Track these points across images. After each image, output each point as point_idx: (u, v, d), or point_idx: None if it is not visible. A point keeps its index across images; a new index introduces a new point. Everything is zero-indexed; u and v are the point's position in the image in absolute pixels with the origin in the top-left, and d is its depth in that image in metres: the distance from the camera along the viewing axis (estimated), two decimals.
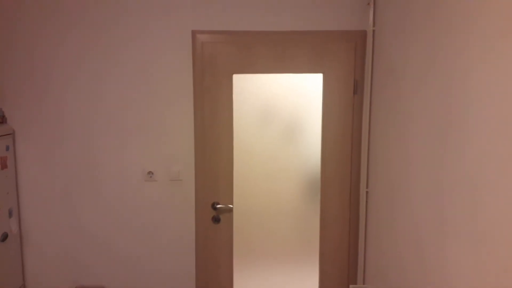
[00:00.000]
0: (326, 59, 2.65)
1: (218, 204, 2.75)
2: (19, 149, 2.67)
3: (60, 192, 2.72)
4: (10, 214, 2.61)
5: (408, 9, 2.08)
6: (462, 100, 1.55)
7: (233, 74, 2.64)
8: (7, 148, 2.58)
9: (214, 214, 2.76)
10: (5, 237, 2.53)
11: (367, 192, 2.66)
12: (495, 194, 1.32)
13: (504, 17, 1.27)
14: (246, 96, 2.68)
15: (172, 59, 2.62)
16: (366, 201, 2.67)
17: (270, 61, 2.63)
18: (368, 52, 2.60)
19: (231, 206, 2.75)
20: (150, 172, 2.71)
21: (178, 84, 2.64)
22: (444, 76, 1.69)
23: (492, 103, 1.34)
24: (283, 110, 2.70)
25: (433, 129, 1.78)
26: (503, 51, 1.30)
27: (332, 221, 2.78)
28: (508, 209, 1.26)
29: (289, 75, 2.67)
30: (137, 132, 2.68)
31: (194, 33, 2.60)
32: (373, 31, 2.54)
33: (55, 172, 2.69)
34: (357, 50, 2.64)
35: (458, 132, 1.57)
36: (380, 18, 2.46)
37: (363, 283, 2.75)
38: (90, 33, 2.59)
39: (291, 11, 2.60)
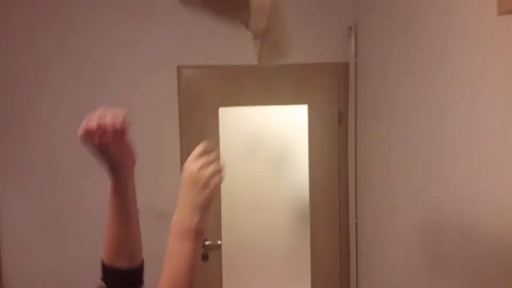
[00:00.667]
0: (310, 91, 2.68)
1: (206, 240, 2.68)
2: (2, 189, 2.58)
3: (43, 235, 2.62)
4: None
5: (387, 41, 2.13)
6: (442, 131, 1.57)
7: (219, 107, 2.64)
8: None
9: (202, 252, 2.68)
10: None
11: (356, 223, 2.65)
12: (480, 222, 1.32)
13: (478, 53, 1.31)
14: (232, 128, 2.67)
15: (157, 94, 2.61)
16: (356, 232, 2.65)
17: (256, 93, 2.65)
18: (351, 83, 2.64)
19: (220, 242, 2.68)
20: None
21: (163, 119, 2.62)
22: (424, 110, 1.72)
23: (471, 139, 1.36)
24: (270, 141, 2.70)
25: (417, 161, 1.81)
26: (479, 87, 1.33)
27: (322, 252, 2.74)
28: (495, 240, 1.26)
29: (275, 107, 2.68)
30: None
31: (179, 68, 2.61)
32: (355, 62, 2.59)
33: (40, 212, 2.60)
34: (340, 81, 2.69)
35: (440, 163, 1.59)
36: (361, 50, 2.52)
37: None
38: (73, 68, 2.57)
39: None
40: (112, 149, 0.95)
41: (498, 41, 1.24)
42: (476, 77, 1.36)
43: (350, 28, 2.61)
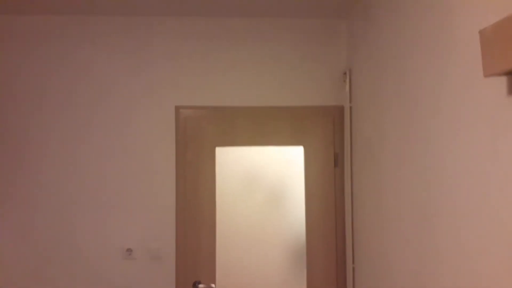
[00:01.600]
0: (306, 133, 2.71)
1: (200, 283, 2.61)
2: None
3: (33, 270, 2.54)
4: None
5: (380, 87, 2.20)
6: (434, 179, 1.60)
7: (216, 147, 2.66)
8: None
9: None
10: None
11: (353, 268, 2.59)
12: (473, 276, 1.30)
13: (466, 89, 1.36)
14: (229, 168, 2.68)
15: (155, 133, 2.64)
16: (353, 277, 2.59)
17: (252, 134, 2.68)
18: (346, 126, 2.69)
19: (214, 286, 2.61)
20: (129, 250, 2.59)
21: (160, 158, 2.63)
22: (416, 157, 1.75)
23: (468, 186, 1.38)
24: (266, 181, 2.70)
25: (409, 206, 1.81)
26: (469, 140, 1.37)
27: None
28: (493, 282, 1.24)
29: (271, 147, 2.71)
30: (117, 207, 2.60)
31: (177, 108, 2.65)
32: (350, 106, 2.64)
33: (30, 248, 2.54)
34: (336, 124, 2.73)
35: (433, 210, 1.60)
36: (356, 94, 2.58)
37: None
38: (69, 104, 2.61)
39: (272, 87, 2.71)
40: None
41: (485, 99, 1.30)
42: (465, 130, 1.40)
43: (345, 73, 2.69)
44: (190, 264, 2.61)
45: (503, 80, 1.24)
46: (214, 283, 2.62)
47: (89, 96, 2.62)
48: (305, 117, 2.72)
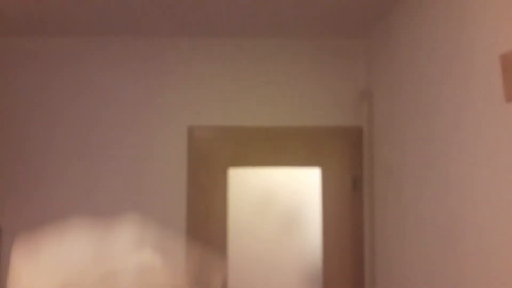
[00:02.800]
0: (322, 154, 2.63)
1: None
2: (6, 247, 2.54)
3: None
4: None
5: (399, 109, 2.13)
6: (459, 206, 1.53)
7: (229, 167, 2.61)
8: None
9: None
10: None
11: None
12: None
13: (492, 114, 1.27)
14: (242, 189, 2.62)
15: (167, 154, 2.61)
16: None
17: (267, 155, 2.62)
18: (365, 148, 2.59)
19: None
20: None
21: (172, 179, 2.60)
22: (441, 182, 1.68)
23: (491, 212, 1.32)
24: (281, 203, 2.63)
25: (433, 235, 1.73)
26: (491, 166, 1.31)
27: None
28: None
29: (286, 169, 2.63)
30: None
31: (190, 128, 2.62)
32: (369, 127, 2.55)
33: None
34: (354, 146, 2.64)
35: (458, 239, 1.54)
36: (375, 115, 2.50)
37: None
38: (83, 127, 2.61)
39: (288, 107, 2.65)
40: None
41: (507, 125, 1.23)
42: (488, 156, 1.35)
43: (363, 93, 2.60)
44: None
45: None
46: None
47: (101, 116, 2.62)
48: (322, 137, 2.64)
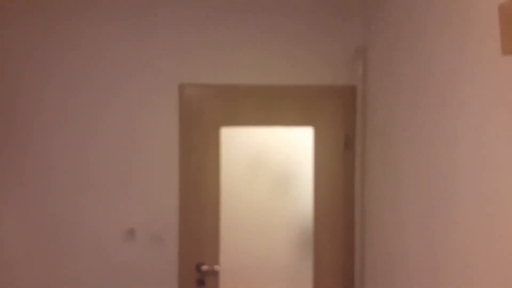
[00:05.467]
0: (316, 113, 2.61)
1: (203, 265, 2.58)
2: None
3: (37, 250, 2.55)
4: None
5: (395, 67, 2.09)
6: (452, 162, 1.53)
7: (221, 127, 2.59)
8: None
9: (199, 277, 2.58)
10: None
11: (362, 254, 2.52)
12: (487, 260, 1.22)
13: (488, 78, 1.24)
14: (235, 149, 2.61)
15: (158, 112, 2.58)
16: (362, 262, 2.52)
17: (259, 114, 2.59)
18: (359, 107, 2.57)
19: (218, 267, 2.58)
20: (131, 230, 2.57)
21: (163, 137, 2.58)
22: (434, 139, 1.68)
23: (484, 170, 1.32)
24: (274, 163, 2.63)
25: (426, 191, 1.75)
26: (486, 121, 1.29)
27: (325, 280, 2.62)
28: (500, 274, 1.15)
29: (279, 128, 2.62)
30: (120, 188, 2.57)
31: (181, 86, 2.57)
32: (363, 86, 2.52)
33: (33, 228, 2.54)
34: (347, 105, 2.61)
35: (451, 195, 1.54)
36: (370, 73, 2.46)
37: None
38: (73, 84, 2.55)
39: (281, 64, 2.60)
40: None
41: (503, 79, 1.21)
42: (483, 111, 1.33)
43: (358, 50, 2.55)
44: (193, 246, 2.58)
45: None
46: (218, 265, 2.59)
47: (90, 74, 2.56)
48: (315, 96, 2.61)
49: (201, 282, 2.58)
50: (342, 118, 2.62)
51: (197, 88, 2.59)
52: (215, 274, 2.58)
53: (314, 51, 2.60)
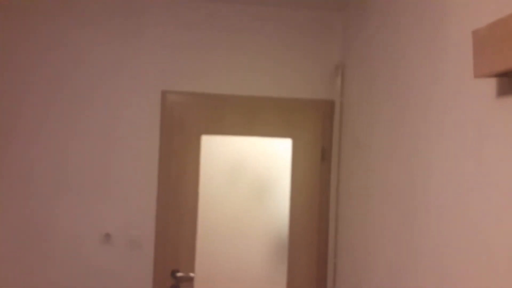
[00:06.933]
0: (295, 125, 2.68)
1: (178, 272, 2.58)
2: None
3: (12, 252, 2.49)
4: None
5: (372, 84, 2.17)
6: (422, 178, 1.59)
7: (202, 134, 2.62)
8: None
9: (174, 283, 2.58)
10: None
11: (335, 263, 2.58)
12: (457, 269, 1.28)
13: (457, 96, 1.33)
14: (214, 157, 2.64)
15: (139, 117, 2.59)
16: (334, 272, 2.58)
17: (240, 123, 2.64)
18: (336, 121, 2.65)
19: (193, 274, 2.59)
20: (107, 235, 2.55)
21: (144, 143, 2.58)
22: (406, 155, 1.73)
23: (456, 188, 1.37)
24: (252, 172, 2.67)
25: (395, 205, 1.80)
26: (457, 140, 1.36)
27: (300, 285, 2.66)
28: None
29: (259, 138, 2.67)
30: (97, 192, 2.55)
31: (164, 93, 2.60)
32: (341, 101, 2.61)
33: (8, 230, 2.49)
34: (326, 118, 2.69)
35: (419, 211, 1.59)
36: (348, 89, 2.55)
37: None
38: (54, 86, 2.54)
39: (262, 77, 2.66)
40: None
41: (474, 100, 1.28)
42: (456, 129, 1.39)
43: (337, 67, 2.65)
44: (169, 252, 2.58)
45: (492, 82, 1.21)
46: (193, 272, 2.60)
47: (72, 76, 2.55)
48: (295, 109, 2.68)
49: None
50: (320, 131, 2.69)
51: (180, 95, 2.62)
52: (190, 280, 2.59)
53: (295, 66, 2.68)
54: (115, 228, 2.56)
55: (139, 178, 2.58)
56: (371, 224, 2.06)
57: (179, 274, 2.58)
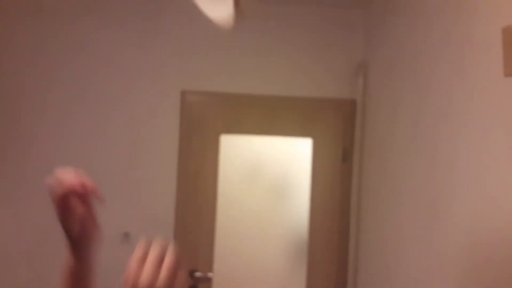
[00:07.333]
0: (315, 125, 2.63)
1: (197, 271, 2.57)
2: None
3: (29, 250, 2.54)
4: None
5: (395, 83, 2.11)
6: (450, 180, 1.54)
7: (221, 134, 2.60)
8: None
9: (192, 283, 2.57)
10: None
11: (356, 265, 2.52)
12: (488, 273, 1.23)
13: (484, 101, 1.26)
14: (233, 156, 2.62)
15: (159, 117, 2.59)
16: (355, 276, 2.52)
17: (259, 123, 2.61)
18: (358, 121, 2.59)
19: (211, 274, 2.57)
20: (126, 234, 2.56)
21: (163, 142, 2.58)
22: (433, 156, 1.68)
23: (481, 187, 1.32)
24: (271, 172, 2.64)
25: (423, 208, 1.75)
26: (485, 141, 1.30)
27: None
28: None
29: (278, 138, 2.63)
30: (116, 191, 2.56)
31: (183, 93, 2.59)
32: (363, 100, 2.55)
33: (27, 228, 2.53)
34: (347, 118, 2.64)
35: (448, 211, 1.53)
36: (370, 88, 2.48)
37: None
38: (76, 88, 2.56)
39: (283, 76, 2.62)
40: (76, 213, 0.85)
41: (504, 100, 1.23)
42: (482, 130, 1.34)
43: (360, 65, 2.58)
44: (188, 252, 2.57)
45: None
46: (211, 272, 2.58)
47: (93, 78, 2.57)
48: (315, 108, 2.64)
49: None
50: (341, 130, 2.64)
51: (199, 95, 2.61)
52: (208, 281, 2.58)
53: (316, 64, 2.63)
54: (134, 227, 2.57)
55: (158, 177, 2.58)
56: (394, 225, 2.01)
57: (198, 274, 2.57)
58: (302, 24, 2.63)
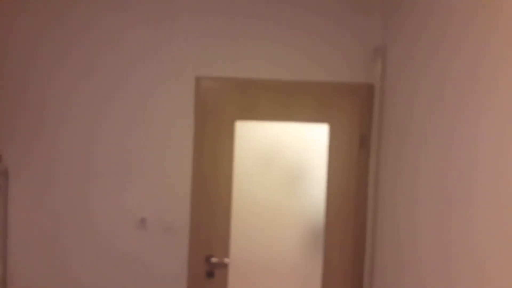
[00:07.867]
0: (332, 110, 2.59)
1: (213, 257, 2.59)
2: (12, 189, 2.59)
3: (49, 236, 2.60)
4: None
5: (414, 66, 2.04)
6: (472, 164, 1.48)
7: (236, 120, 2.58)
8: None
9: (208, 269, 2.59)
10: None
11: (372, 253, 2.50)
12: (505, 262, 1.19)
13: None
14: (249, 143, 2.60)
15: (174, 103, 2.58)
16: (372, 262, 2.50)
17: (274, 109, 2.58)
18: (376, 106, 2.54)
19: (227, 259, 2.58)
20: (142, 219, 2.59)
21: (178, 129, 2.58)
22: (454, 141, 1.62)
23: (502, 173, 1.26)
24: (287, 158, 2.61)
25: (443, 193, 1.70)
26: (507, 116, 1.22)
27: (334, 278, 2.61)
28: None
29: (294, 124, 2.60)
30: (133, 177, 2.59)
31: (198, 79, 2.57)
32: (381, 85, 2.49)
33: (46, 214, 2.58)
34: (364, 103, 2.58)
35: (469, 197, 1.49)
36: (388, 72, 2.42)
37: None
38: (89, 72, 2.57)
39: (298, 60, 2.58)
40: None
41: None
42: (505, 115, 1.28)
43: (377, 48, 2.52)
44: (204, 237, 2.59)
45: None
46: (227, 258, 2.59)
47: (106, 61, 2.57)
48: (332, 93, 2.59)
49: (210, 274, 2.59)
50: (359, 116, 2.59)
51: (214, 81, 2.59)
52: (224, 266, 2.59)
53: (333, 47, 2.57)
54: (150, 213, 2.59)
55: (173, 163, 2.58)
56: (412, 214, 1.98)
57: (214, 260, 2.58)
58: (318, 7, 2.57)
